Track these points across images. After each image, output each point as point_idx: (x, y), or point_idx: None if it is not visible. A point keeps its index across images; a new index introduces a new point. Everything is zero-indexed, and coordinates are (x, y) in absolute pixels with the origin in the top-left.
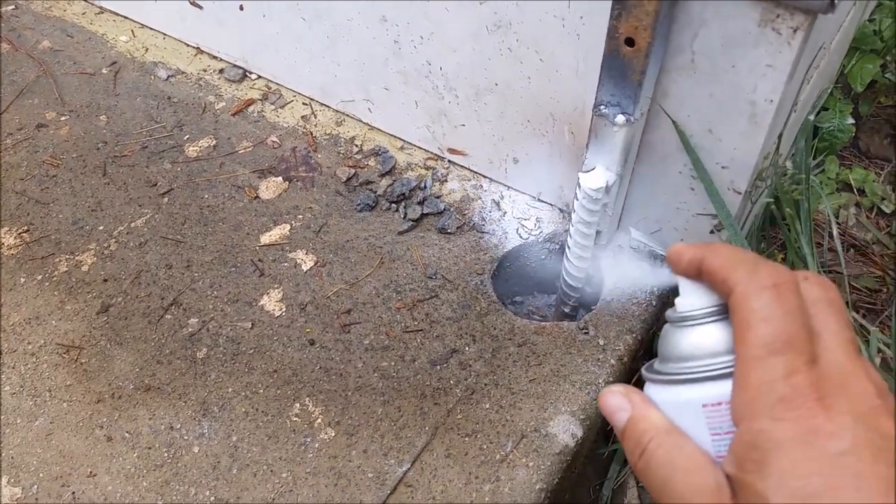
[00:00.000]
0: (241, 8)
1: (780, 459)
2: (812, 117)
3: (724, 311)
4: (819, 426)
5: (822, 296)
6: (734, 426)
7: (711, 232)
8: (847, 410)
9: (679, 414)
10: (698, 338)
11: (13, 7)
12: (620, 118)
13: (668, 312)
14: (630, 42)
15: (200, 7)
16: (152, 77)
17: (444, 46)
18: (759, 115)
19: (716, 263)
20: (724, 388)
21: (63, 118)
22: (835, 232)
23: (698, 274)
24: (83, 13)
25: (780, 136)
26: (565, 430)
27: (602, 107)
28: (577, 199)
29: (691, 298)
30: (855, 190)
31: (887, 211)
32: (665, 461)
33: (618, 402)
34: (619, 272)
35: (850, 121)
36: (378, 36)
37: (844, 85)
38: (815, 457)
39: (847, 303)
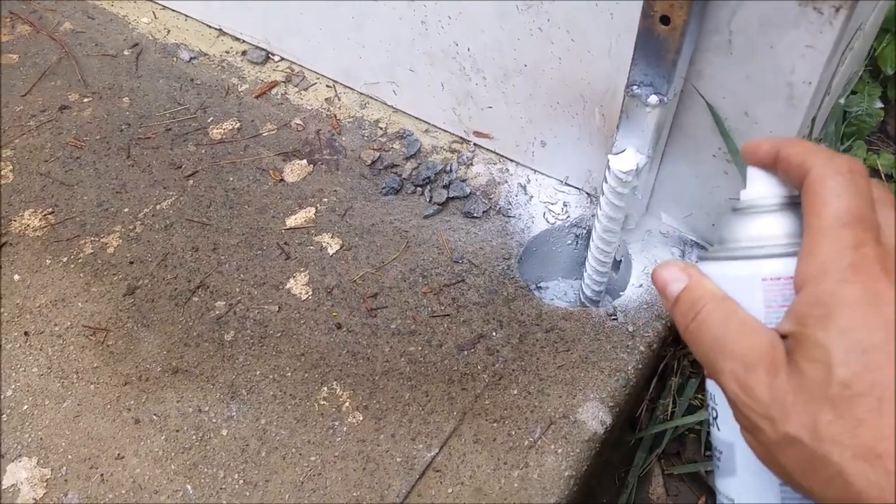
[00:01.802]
0: None
1: (845, 315)
2: (842, 101)
3: (792, 203)
4: (883, 291)
5: (883, 196)
6: (795, 294)
7: None
8: None
9: (735, 287)
10: (764, 223)
11: None
12: (653, 98)
13: (733, 202)
14: (665, 20)
15: None
16: (174, 59)
17: (472, 27)
18: (797, 98)
19: (794, 150)
20: (784, 265)
21: (86, 100)
22: None
23: (773, 163)
24: None
25: (813, 120)
26: (594, 417)
27: (634, 87)
28: (606, 182)
29: (760, 187)
30: (883, 175)
31: None
32: (719, 322)
33: (674, 273)
34: (648, 257)
35: (879, 105)
36: (404, 16)
37: (874, 68)
38: (878, 315)
39: None
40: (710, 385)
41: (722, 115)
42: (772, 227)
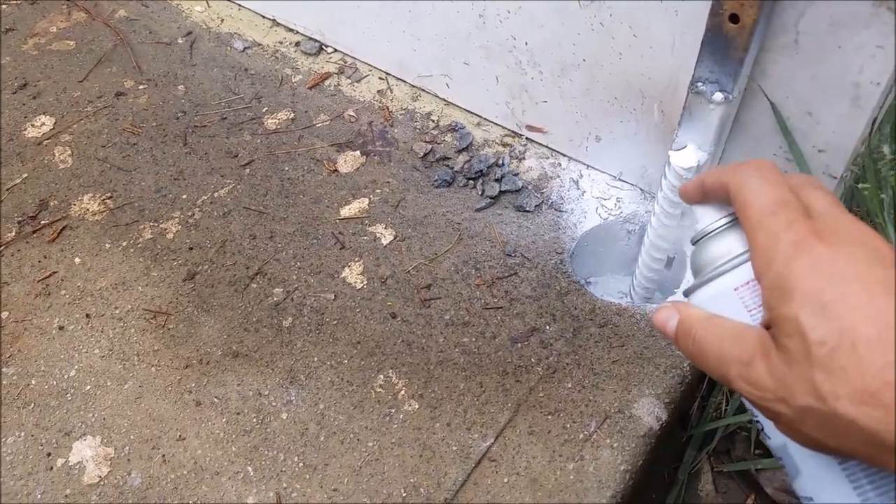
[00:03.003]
0: None
1: (798, 285)
2: None
3: (734, 218)
4: (822, 253)
5: (805, 181)
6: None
7: None
8: (845, 241)
9: (717, 304)
10: (719, 243)
11: None
12: (718, 96)
13: (691, 236)
14: (735, 18)
15: None
16: (228, 48)
17: (531, 21)
18: (863, 98)
19: (711, 178)
20: (747, 270)
21: (141, 87)
22: None
23: (705, 195)
24: None
25: (874, 121)
26: (650, 413)
27: (699, 83)
28: (666, 178)
29: (705, 217)
30: None
31: None
32: (711, 338)
33: (667, 313)
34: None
35: None
36: (462, 10)
37: None
38: (825, 274)
39: None
40: (745, 400)
41: (784, 115)
42: (727, 244)
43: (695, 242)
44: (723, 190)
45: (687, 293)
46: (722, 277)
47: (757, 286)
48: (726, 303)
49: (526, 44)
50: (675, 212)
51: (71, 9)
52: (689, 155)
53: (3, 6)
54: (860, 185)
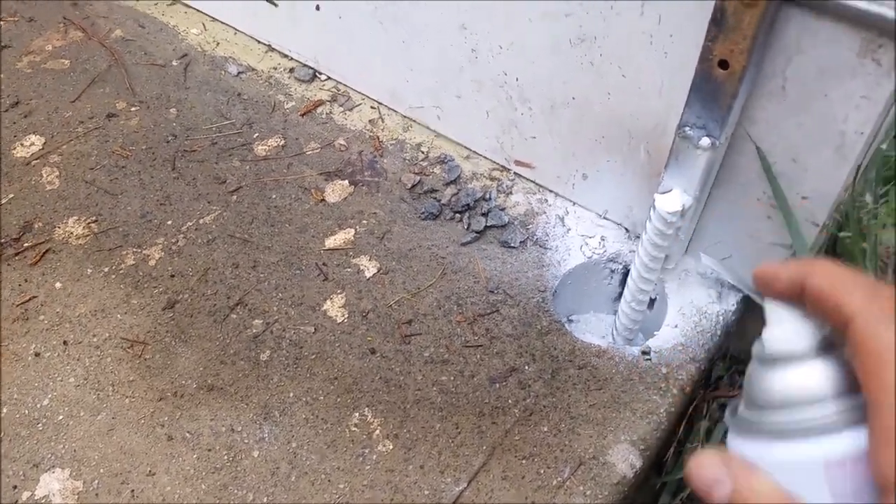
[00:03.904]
0: (318, 8)
1: None
2: (884, 146)
3: (828, 344)
4: None
5: None
6: (876, 487)
7: None
8: None
9: (791, 476)
10: (803, 379)
11: None
12: (705, 141)
13: (757, 348)
14: (724, 64)
15: (276, 5)
16: (223, 72)
17: (522, 57)
18: (848, 147)
19: (824, 285)
20: (847, 442)
21: (133, 108)
22: None
23: (798, 297)
24: (155, 4)
25: (859, 167)
26: (624, 460)
27: (687, 128)
28: (650, 221)
29: (787, 330)
30: None
31: None
32: None
33: (714, 473)
34: (684, 298)
35: None
36: (456, 43)
37: None
38: None
39: None
40: None
41: (770, 160)
42: (815, 385)
43: (764, 360)
44: (836, 314)
45: (734, 419)
46: (809, 442)
47: (857, 469)
48: (807, 479)
49: (517, 80)
50: (658, 255)
51: (68, 27)
52: (674, 199)
53: (1, 23)
54: (842, 234)
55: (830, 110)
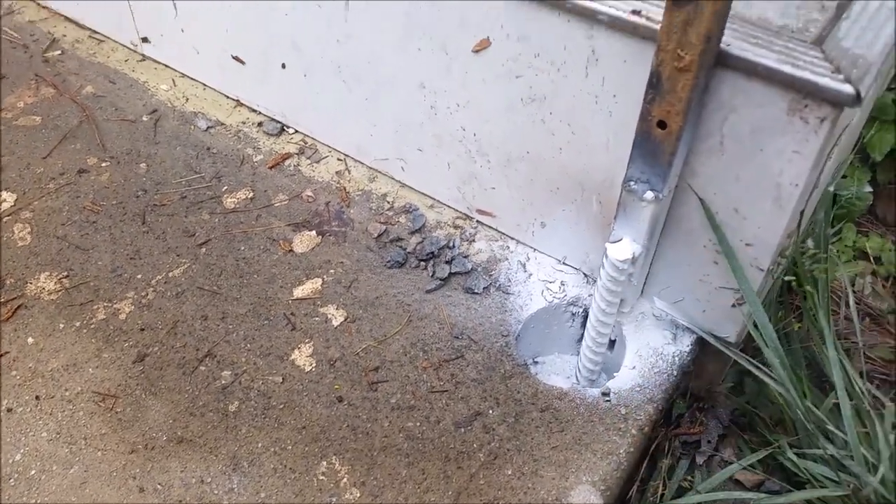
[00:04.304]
0: (284, 66)
1: None
2: (831, 188)
3: None
4: None
5: None
6: None
7: (733, 306)
8: None
9: None
10: None
11: (60, 52)
12: (649, 194)
13: None
14: (662, 125)
15: (243, 62)
16: (192, 127)
17: (479, 115)
18: (784, 198)
19: None
20: None
21: (104, 164)
22: (851, 303)
23: None
24: (126, 60)
25: (801, 213)
26: (585, 501)
27: (632, 182)
28: (604, 268)
29: None
30: (871, 258)
31: None
32: None
33: None
34: (641, 340)
35: (868, 189)
36: (416, 101)
37: (864, 153)
38: None
39: (861, 373)
40: None
41: (713, 210)
42: None
43: None
44: None
45: None
46: None
47: None
48: None
49: (474, 135)
50: (614, 300)
51: (39, 84)
52: (624, 247)
53: None
54: (787, 278)
55: (766, 164)
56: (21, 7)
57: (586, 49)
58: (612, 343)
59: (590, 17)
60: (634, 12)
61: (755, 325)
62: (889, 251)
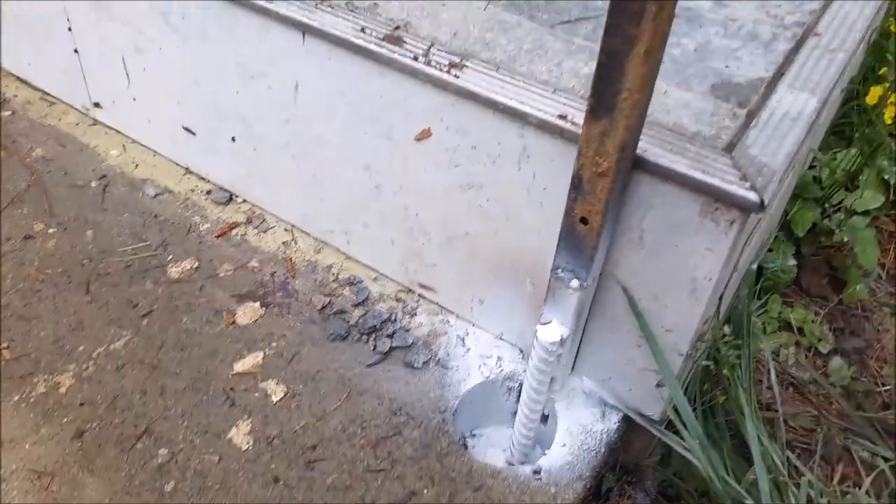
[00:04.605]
0: (234, 139)
1: None
2: (755, 266)
3: None
4: None
5: None
6: None
7: (657, 386)
8: None
9: None
10: None
11: (10, 113)
12: (575, 283)
13: None
14: (584, 221)
15: (194, 133)
16: (140, 193)
17: (421, 196)
18: (699, 291)
19: None
20: None
21: (51, 230)
22: (773, 376)
23: None
24: (77, 123)
25: (720, 298)
26: None
27: (559, 270)
28: (535, 349)
29: None
30: (795, 329)
31: (824, 351)
32: None
33: None
34: (571, 417)
35: (792, 262)
36: (361, 180)
37: (788, 228)
38: None
39: (783, 443)
40: None
41: (636, 298)
42: None
43: None
44: None
45: None
46: None
47: None
48: None
49: (417, 214)
50: (544, 378)
51: None
52: (553, 330)
53: None
54: (704, 362)
55: (682, 259)
56: None
57: (518, 146)
58: (545, 417)
59: (521, 118)
60: (561, 117)
61: (675, 409)
62: (811, 322)
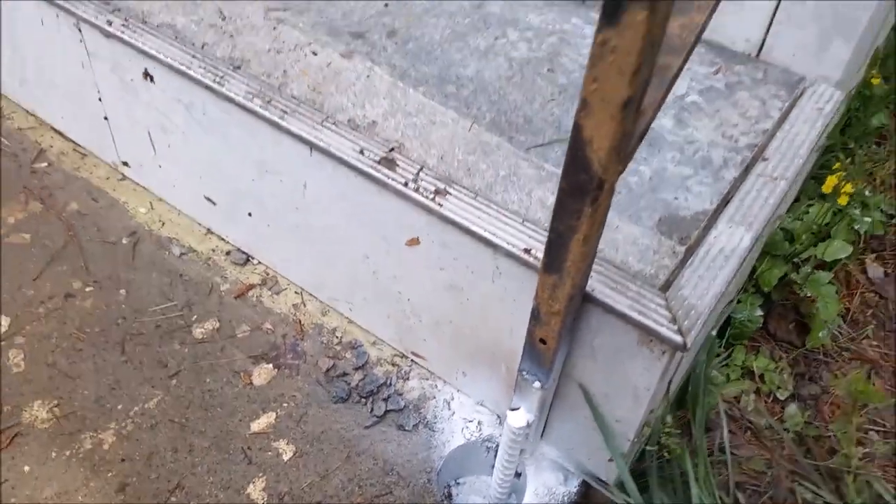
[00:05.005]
0: (250, 214)
1: None
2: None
3: None
4: None
5: None
6: None
7: (609, 461)
8: None
9: None
10: None
11: (46, 164)
12: (537, 384)
13: None
14: (543, 341)
15: (214, 203)
16: (167, 252)
17: (412, 286)
18: (640, 397)
19: None
20: None
21: (88, 289)
22: (724, 424)
23: None
24: (107, 178)
25: (669, 382)
26: None
27: (524, 372)
28: (505, 430)
29: None
30: (757, 377)
31: (781, 398)
32: None
33: None
34: (539, 479)
35: (759, 312)
36: (361, 266)
37: (756, 284)
38: None
39: (736, 484)
40: None
41: (591, 394)
42: None
43: None
44: None
45: None
46: None
47: None
48: None
49: (409, 299)
50: (515, 451)
51: (28, 198)
52: (520, 416)
53: None
54: (647, 448)
55: (625, 372)
56: (11, 113)
57: (492, 265)
58: (518, 474)
59: (493, 246)
60: (526, 250)
61: (621, 485)
62: (771, 371)
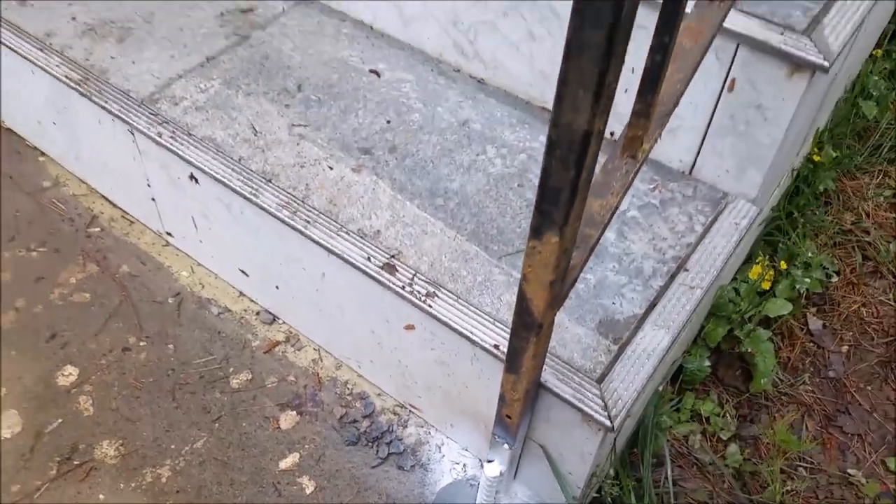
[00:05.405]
0: (277, 287)
1: None
2: (658, 391)
3: None
4: None
5: None
6: None
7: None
8: None
9: None
10: None
11: (99, 229)
12: (506, 446)
13: None
14: (509, 417)
15: (247, 275)
16: (207, 312)
17: (409, 358)
18: (585, 458)
19: None
20: None
21: (141, 343)
22: (668, 470)
23: None
24: (153, 244)
25: (615, 441)
26: None
27: (496, 436)
28: (482, 477)
29: None
30: (704, 419)
31: (724, 438)
32: None
33: None
34: None
35: (707, 363)
36: (368, 338)
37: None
38: None
39: None
40: None
41: (549, 451)
42: None
43: None
44: None
45: None
46: None
47: None
48: None
49: (407, 367)
50: (491, 493)
51: (86, 260)
52: (494, 467)
53: (34, 253)
54: (593, 495)
55: (574, 439)
56: (66, 180)
57: (470, 352)
58: None
59: (471, 340)
60: (495, 346)
61: None
62: (716, 416)
